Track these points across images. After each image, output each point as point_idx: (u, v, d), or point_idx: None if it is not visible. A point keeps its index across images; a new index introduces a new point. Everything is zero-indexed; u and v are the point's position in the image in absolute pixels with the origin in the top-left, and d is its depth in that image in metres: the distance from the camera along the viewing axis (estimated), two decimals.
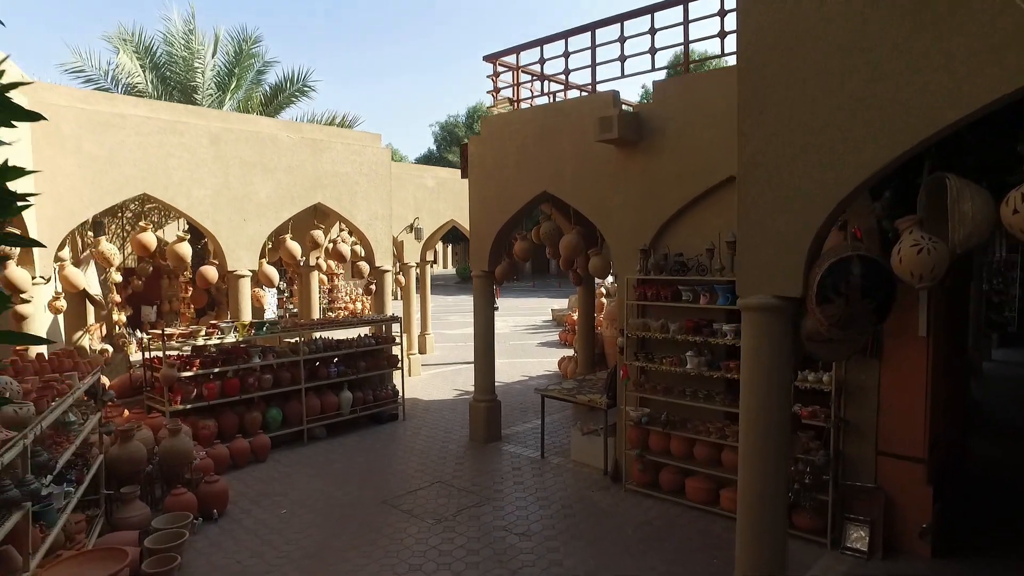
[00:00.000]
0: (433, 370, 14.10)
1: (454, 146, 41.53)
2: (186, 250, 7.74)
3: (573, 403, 7.77)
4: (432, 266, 61.37)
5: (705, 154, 6.28)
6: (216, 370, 7.69)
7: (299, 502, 6.54)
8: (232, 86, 11.71)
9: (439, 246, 65.20)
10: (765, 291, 3.49)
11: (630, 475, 6.79)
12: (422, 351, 16.12)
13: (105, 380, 8.04)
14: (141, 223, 7.49)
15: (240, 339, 7.90)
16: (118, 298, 12.70)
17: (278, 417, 8.28)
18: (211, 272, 8.33)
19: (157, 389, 7.33)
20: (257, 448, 7.73)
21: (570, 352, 14.11)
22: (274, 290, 17.23)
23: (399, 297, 14.81)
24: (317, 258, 11.75)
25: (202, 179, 8.09)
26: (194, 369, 7.48)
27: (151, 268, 11.47)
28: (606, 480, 7.09)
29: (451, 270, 64.43)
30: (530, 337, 19.45)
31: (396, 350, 9.98)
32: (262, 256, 9.01)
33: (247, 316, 8.48)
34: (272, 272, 8.82)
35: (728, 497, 6.00)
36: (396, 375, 10.14)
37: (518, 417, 9.91)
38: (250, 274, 8.57)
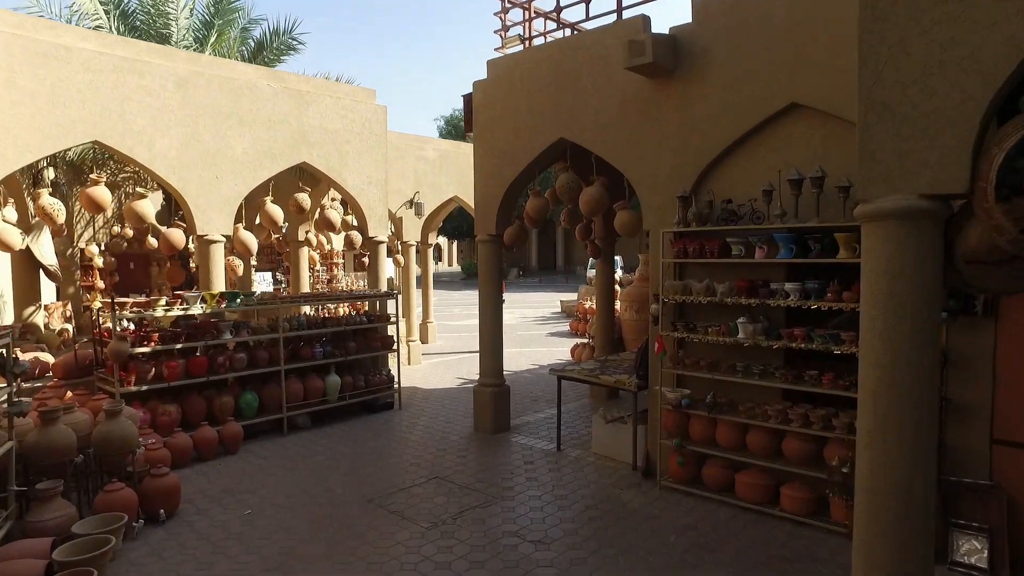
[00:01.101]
0: (435, 359, 13.00)
1: (459, 139, 40.51)
2: (146, 208, 6.66)
3: (596, 385, 6.64)
4: (437, 263, 59.83)
5: (759, 80, 5.15)
6: (179, 346, 6.61)
7: (268, 500, 5.45)
8: (212, 40, 10.64)
9: (443, 241, 64.27)
10: (907, 189, 2.36)
11: (666, 470, 5.66)
12: (424, 340, 15.03)
13: (49, 358, 6.99)
14: (93, 175, 6.42)
15: (208, 310, 6.82)
16: (101, 284, 11.69)
17: (253, 403, 7.20)
18: (177, 236, 7.25)
19: (109, 368, 6.26)
20: (227, 438, 6.64)
21: (584, 340, 12.98)
22: (268, 276, 16.21)
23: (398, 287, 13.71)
24: (307, 232, 10.67)
25: (167, 128, 7.01)
26: (151, 344, 6.39)
27: (125, 243, 10.44)
28: (636, 476, 5.96)
29: (456, 268, 63.41)
30: (539, 328, 18.34)
31: (392, 330, 8.88)
32: (239, 221, 7.93)
33: (220, 287, 7.40)
34: (249, 239, 7.73)
35: (791, 496, 4.86)
36: (392, 360, 9.04)
37: (529, 407, 8.79)
38: (223, 240, 7.49)
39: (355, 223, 9.12)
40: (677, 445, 5.44)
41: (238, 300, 7.16)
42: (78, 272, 9.60)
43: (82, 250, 10.69)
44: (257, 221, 10.85)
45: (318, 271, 15.68)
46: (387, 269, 17.31)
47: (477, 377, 7.65)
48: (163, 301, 6.47)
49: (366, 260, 9.00)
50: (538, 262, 52.53)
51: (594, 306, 16.54)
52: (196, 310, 6.70)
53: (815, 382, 4.81)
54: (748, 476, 5.14)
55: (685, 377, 5.61)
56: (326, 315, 9.43)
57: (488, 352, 7.45)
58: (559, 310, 22.49)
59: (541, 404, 8.94)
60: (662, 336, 5.58)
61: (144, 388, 6.30)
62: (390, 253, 13.10)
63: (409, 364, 12.23)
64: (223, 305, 6.95)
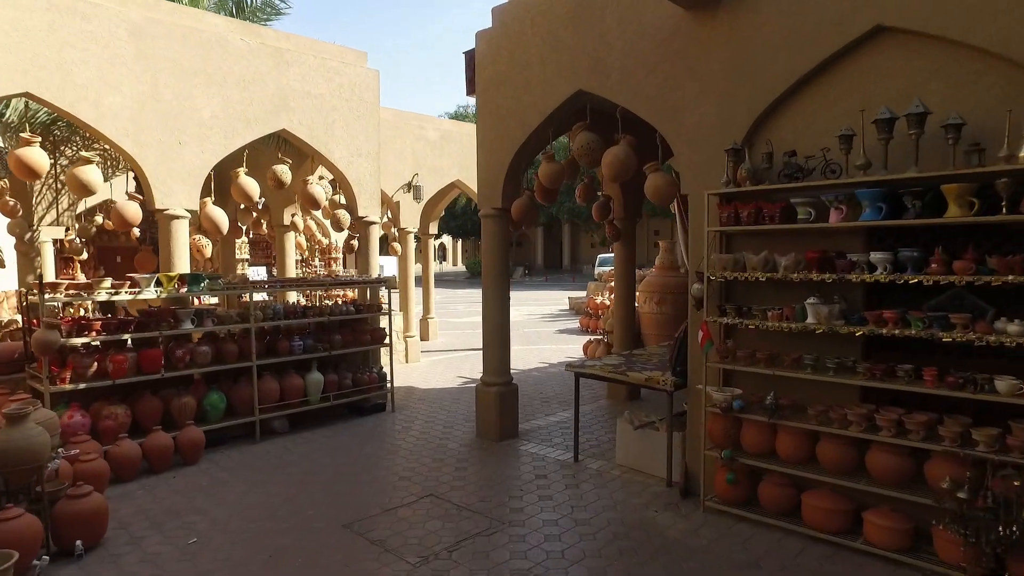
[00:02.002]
0: (435, 356, 11.98)
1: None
2: (90, 176, 5.64)
3: (622, 383, 5.58)
4: (441, 262, 59.02)
5: (831, 0, 4.11)
6: (126, 336, 5.60)
7: (222, 525, 4.42)
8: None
9: (447, 240, 63.32)
10: None
11: (711, 488, 4.61)
12: (424, 337, 14.02)
13: None
14: (25, 134, 5.39)
15: (165, 295, 5.80)
16: (83, 278, 10.71)
17: (220, 404, 6.18)
18: (131, 210, 6.24)
19: (40, 363, 5.25)
20: (185, 445, 5.63)
21: (597, 337, 11.93)
22: (262, 271, 15.19)
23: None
24: (293, 215, 9.66)
25: (118, 83, 6.01)
26: (91, 334, 5.38)
27: (94, 229, 9.46)
28: (672, 494, 4.91)
29: (461, 267, 62.38)
30: (546, 325, 17.29)
31: (385, 322, 7.86)
32: (208, 196, 6.92)
33: (184, 270, 6.39)
34: (218, 216, 6.71)
35: (878, 526, 3.80)
36: (385, 355, 8.02)
37: (539, 409, 7.75)
38: (187, 216, 6.49)
39: (342, 200, 8.10)
40: (727, 458, 4.38)
41: (202, 283, 6.15)
42: (38, 259, 8.61)
43: (62, 241, 9.74)
44: (246, 208, 9.87)
45: (316, 267, 14.68)
46: (389, 266, 16.36)
47: (479, 375, 6.63)
48: (107, 283, 5.46)
49: (355, 243, 7.97)
50: (544, 261, 51.49)
51: (606, 301, 15.51)
52: (149, 294, 5.69)
53: (911, 379, 3.75)
54: (819, 498, 4.08)
55: (736, 373, 4.55)
56: (308, 304, 8.43)
57: (493, 346, 6.41)
58: (567, 307, 21.47)
59: (553, 406, 7.90)
60: (707, 323, 4.53)
61: (82, 387, 5.29)
62: (385, 242, 12.09)
63: (407, 362, 11.22)
64: (183, 289, 5.94)
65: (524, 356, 11.63)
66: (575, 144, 5.51)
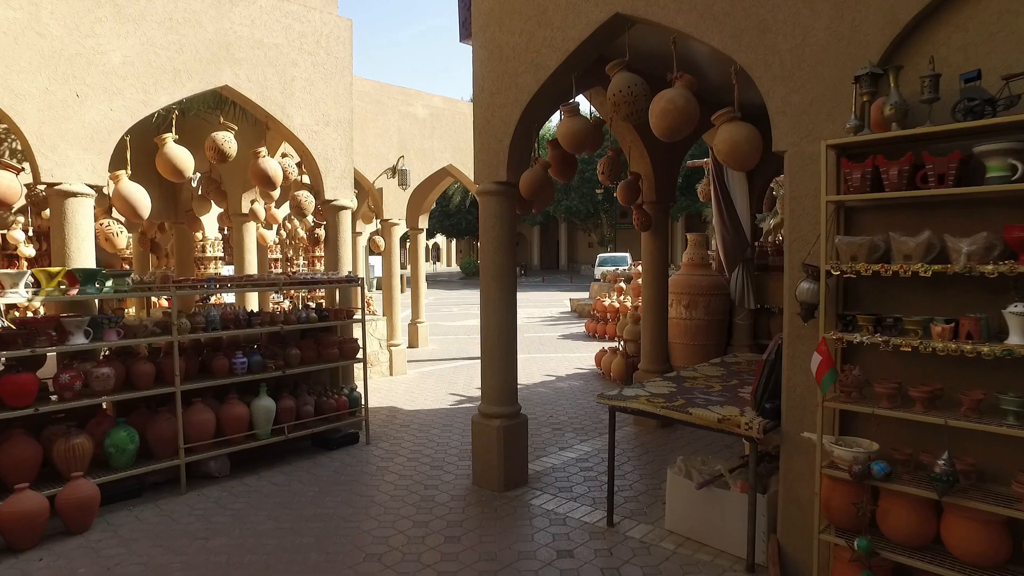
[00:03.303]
0: (424, 367, 10.41)
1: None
2: None
3: (684, 422, 3.98)
4: (435, 263, 57.63)
5: None
6: None
7: None
8: None
9: (442, 240, 61.75)
10: None
11: None
12: (413, 344, 12.47)
13: None
14: None
15: (43, 298, 4.22)
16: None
17: (130, 444, 4.58)
18: (5, 184, 4.63)
19: None
20: (69, 507, 4.04)
21: (609, 344, 10.41)
22: (231, 271, 13.54)
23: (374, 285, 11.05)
24: (252, 202, 8.07)
25: None
26: None
27: (10, 216, 7.84)
28: None
29: (455, 268, 60.73)
30: (548, 329, 15.75)
31: (358, 331, 6.29)
32: (121, 168, 5.33)
33: (87, 265, 4.81)
34: (135, 194, 5.12)
35: None
36: (360, 371, 6.45)
37: (550, 440, 6.20)
38: (90, 193, 4.90)
39: (296, 176, 6.51)
40: (863, 551, 2.83)
41: (105, 284, 4.56)
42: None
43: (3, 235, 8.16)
44: (205, 195, 8.29)
45: (299, 266, 13.01)
46: (379, 267, 14.72)
47: (477, 392, 5.07)
48: None
49: (320, 232, 6.39)
50: (540, 261, 49.94)
51: (615, 303, 13.96)
52: (17, 298, 4.10)
53: None
54: None
55: (874, 420, 3.01)
56: (258, 310, 6.84)
57: (495, 366, 4.85)
58: (569, 309, 19.96)
59: (568, 436, 6.35)
60: (825, 341, 2.98)
61: None
62: (356, 222, 10.51)
63: (391, 374, 9.65)
64: (73, 292, 4.35)
65: (527, 367, 10.09)
66: (612, 89, 3.94)
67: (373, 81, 9.70)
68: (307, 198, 6.27)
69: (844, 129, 2.99)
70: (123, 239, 5.21)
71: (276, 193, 6.96)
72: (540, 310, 20.58)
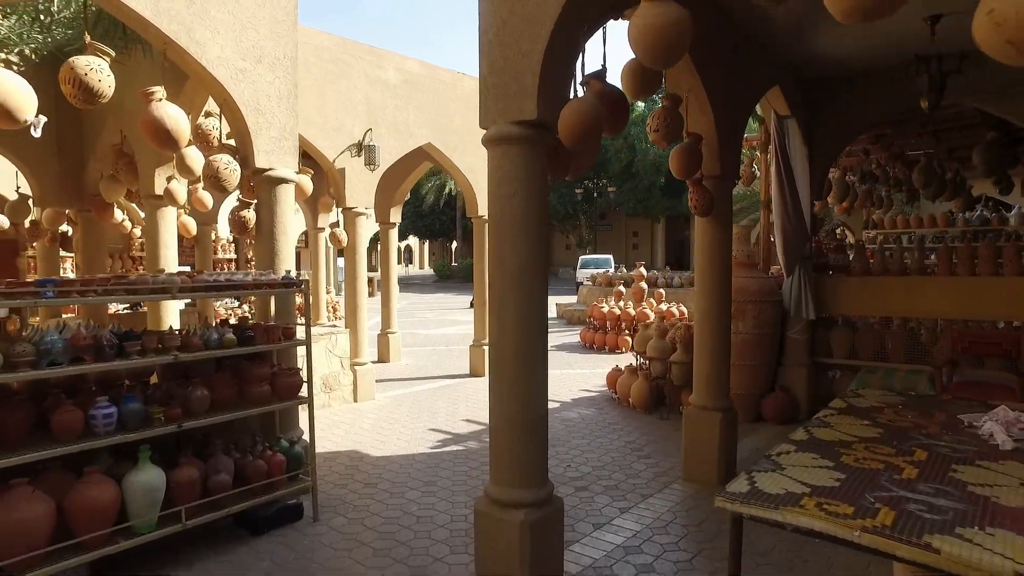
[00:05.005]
0: (397, 390, 8.51)
1: None
2: None
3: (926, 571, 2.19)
4: (407, 266, 55.58)
5: None
6: None
7: None
8: None
9: (414, 242, 59.55)
10: None
11: None
12: (382, 358, 10.57)
13: None
14: None
15: None
16: None
17: None
18: None
19: None
20: None
21: (627, 362, 8.64)
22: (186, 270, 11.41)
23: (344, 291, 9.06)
24: (169, 179, 6.06)
25: None
26: None
27: None
28: None
29: (428, 270, 58.47)
30: None
31: (302, 355, 4.36)
32: None
33: None
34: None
35: None
36: (303, 414, 4.53)
37: (577, 510, 4.38)
38: None
39: (213, 130, 4.53)
40: None
41: None
42: None
43: None
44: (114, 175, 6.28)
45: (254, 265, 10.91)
46: (343, 268, 12.71)
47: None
48: None
49: (247, 216, 4.46)
50: None
51: (615, 309, 12.20)
52: None
53: None
54: None
55: None
56: (145, 329, 4.88)
57: (517, 425, 3.00)
58: (555, 315, 18.18)
59: (600, 500, 4.53)
60: None
61: None
62: (300, 207, 8.54)
63: (356, 400, 7.74)
64: None
65: None
66: None
67: (333, 35, 7.78)
68: (229, 165, 4.32)
69: None
70: None
71: (198, 164, 4.98)
72: None
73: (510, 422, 3.02)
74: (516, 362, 3.02)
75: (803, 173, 6.34)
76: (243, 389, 3.96)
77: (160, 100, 3.92)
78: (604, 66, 3.25)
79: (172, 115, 3.90)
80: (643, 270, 13.01)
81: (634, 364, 7.73)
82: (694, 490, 4.77)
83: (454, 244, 49.27)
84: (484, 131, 2.97)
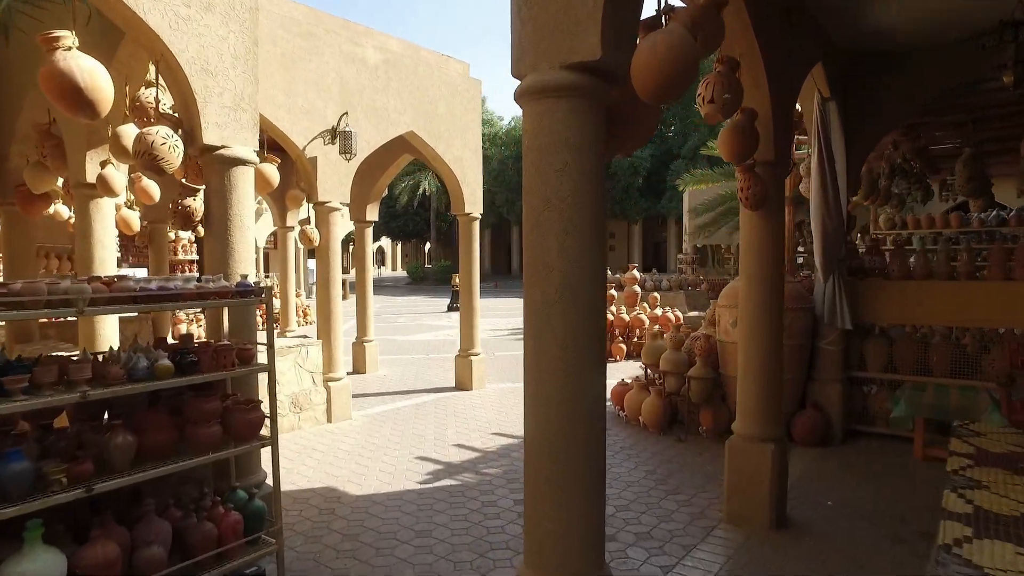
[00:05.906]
0: (376, 407, 7.56)
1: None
2: None
3: None
4: (379, 268, 54.39)
5: None
6: None
7: None
8: None
9: (386, 243, 58.18)
10: None
11: None
12: (359, 369, 9.61)
13: None
14: None
15: None
16: None
17: None
18: None
19: None
20: None
21: (616, 368, 7.84)
22: (143, 272, 10.19)
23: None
24: (102, 164, 5.04)
25: None
26: None
27: None
28: None
29: (401, 272, 57.11)
30: (519, 344, 13.03)
31: (264, 385, 3.43)
32: None
33: None
34: None
35: None
36: (265, 456, 3.58)
37: (609, 561, 3.53)
38: None
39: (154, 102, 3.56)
40: None
41: None
42: None
43: None
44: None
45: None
46: (313, 270, 11.66)
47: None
48: None
49: (192, 205, 3.50)
50: (490, 265, 47.08)
51: (625, 315, 11.32)
52: None
53: None
54: None
55: None
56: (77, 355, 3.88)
57: (561, 491, 2.15)
58: None
59: (633, 552, 3.68)
60: None
61: None
62: (267, 204, 7.56)
63: (331, 421, 6.79)
64: None
65: (515, 402, 7.37)
66: None
67: (303, 6, 6.82)
68: (168, 140, 3.32)
69: None
70: None
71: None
72: (505, 319, 17.93)
73: (551, 483, 2.15)
74: (560, 401, 2.16)
75: (841, 164, 5.62)
76: (185, 431, 3.01)
77: (69, 49, 2.95)
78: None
79: (86, 67, 2.93)
80: (636, 273, 12.25)
81: (642, 378, 6.93)
82: (743, 536, 3.97)
83: (427, 245, 48.12)
84: (525, 79, 2.10)
